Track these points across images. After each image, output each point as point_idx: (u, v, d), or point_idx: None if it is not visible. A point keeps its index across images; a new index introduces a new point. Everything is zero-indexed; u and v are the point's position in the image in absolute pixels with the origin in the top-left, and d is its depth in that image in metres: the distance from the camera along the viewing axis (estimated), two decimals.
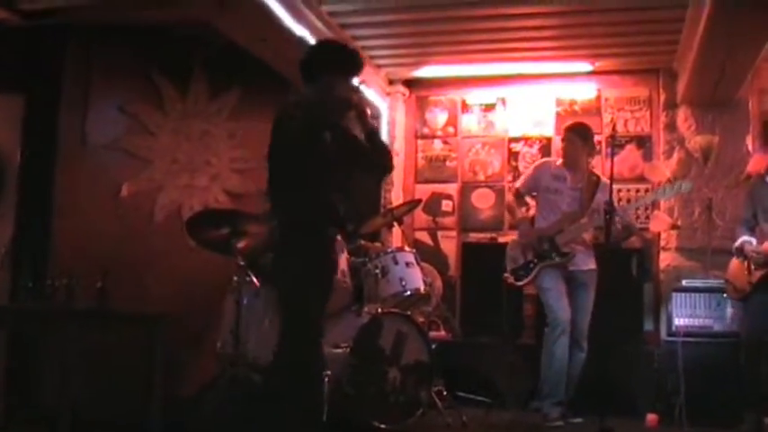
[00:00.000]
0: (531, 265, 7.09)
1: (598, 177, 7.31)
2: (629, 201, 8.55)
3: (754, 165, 7.73)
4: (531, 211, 7.51)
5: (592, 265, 7.13)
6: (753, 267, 6.51)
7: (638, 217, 8.78)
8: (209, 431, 5.67)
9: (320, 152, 4.88)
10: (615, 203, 6.58)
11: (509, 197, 7.98)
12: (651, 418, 7.13)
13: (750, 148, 8.61)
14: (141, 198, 8.22)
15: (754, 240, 6.60)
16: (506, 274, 7.31)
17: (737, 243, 6.70)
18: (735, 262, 6.74)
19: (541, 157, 8.98)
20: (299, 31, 7.23)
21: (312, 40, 7.43)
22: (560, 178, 7.21)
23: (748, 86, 8.58)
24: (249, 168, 8.51)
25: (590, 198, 7.12)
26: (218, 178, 8.51)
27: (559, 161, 7.40)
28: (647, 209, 8.88)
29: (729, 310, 7.31)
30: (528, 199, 7.60)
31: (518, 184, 7.61)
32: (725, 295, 7.08)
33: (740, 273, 6.62)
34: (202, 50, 8.25)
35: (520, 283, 7.22)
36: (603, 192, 7.00)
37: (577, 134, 7.24)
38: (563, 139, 7.34)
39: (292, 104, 5.13)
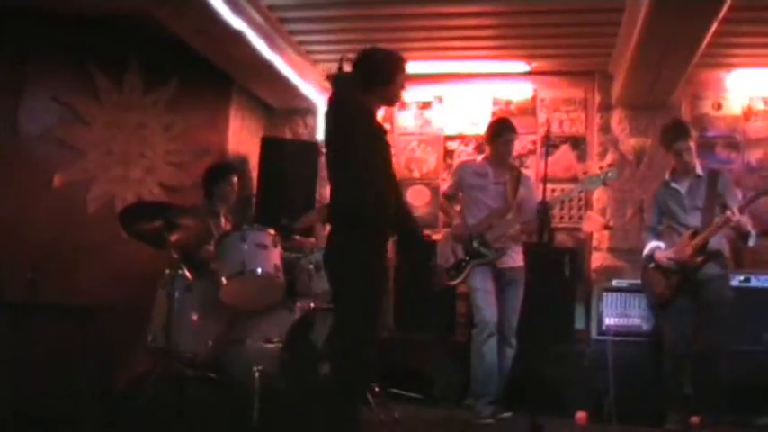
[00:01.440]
0: (464, 264, 7.11)
1: (519, 171, 7.40)
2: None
3: None
4: None
5: (520, 261, 7.21)
6: (668, 274, 6.61)
7: (571, 217, 8.89)
8: (140, 425, 5.62)
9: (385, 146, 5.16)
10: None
11: (441, 200, 8.02)
12: (580, 416, 7.20)
13: None
14: (74, 189, 8.13)
15: (662, 245, 6.70)
16: None
17: (647, 251, 6.83)
18: (649, 269, 6.84)
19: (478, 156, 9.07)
20: (238, 24, 7.21)
21: (251, 34, 7.42)
22: (482, 175, 7.28)
23: (681, 91, 8.72)
24: (184, 162, 8.49)
25: (514, 192, 7.19)
26: (152, 171, 8.45)
27: (480, 158, 7.51)
28: (579, 209, 9.00)
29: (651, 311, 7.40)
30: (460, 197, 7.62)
31: (444, 188, 7.71)
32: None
33: (657, 279, 6.72)
34: (139, 42, 8.18)
35: (452, 283, 7.23)
36: (526, 185, 7.14)
37: (516, 134, 7.35)
38: (508, 141, 7.32)
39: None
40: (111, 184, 8.29)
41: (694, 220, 6.60)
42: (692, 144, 6.77)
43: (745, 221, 6.37)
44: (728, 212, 6.32)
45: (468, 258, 7.08)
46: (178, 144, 8.55)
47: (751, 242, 6.53)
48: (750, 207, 6.57)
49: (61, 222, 7.90)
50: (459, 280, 7.14)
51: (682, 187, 6.73)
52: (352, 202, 4.93)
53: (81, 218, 8.08)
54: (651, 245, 6.81)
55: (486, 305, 6.98)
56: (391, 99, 5.40)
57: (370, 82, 5.17)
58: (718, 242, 6.60)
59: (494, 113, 9.35)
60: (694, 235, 6.50)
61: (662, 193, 6.89)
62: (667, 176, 6.87)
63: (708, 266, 6.49)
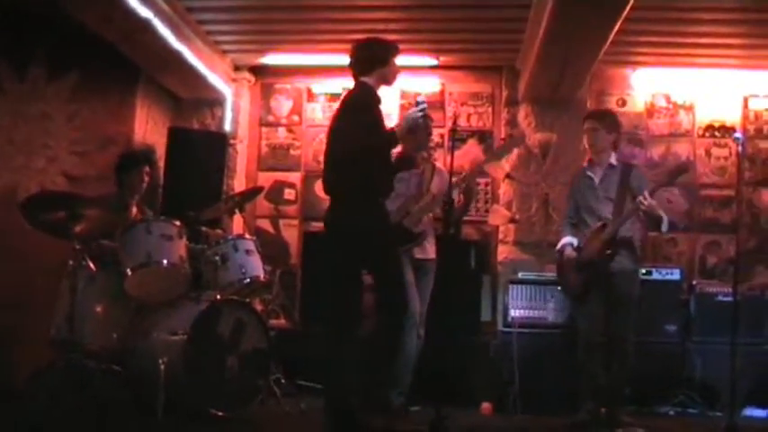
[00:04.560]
0: None
1: (433, 163, 7.42)
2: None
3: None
4: None
5: (434, 254, 7.21)
6: (579, 267, 6.64)
7: (477, 210, 8.96)
8: (42, 420, 5.52)
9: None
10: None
11: None
12: (486, 406, 7.27)
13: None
14: None
15: (575, 241, 6.71)
16: None
17: (558, 246, 6.77)
18: (563, 262, 6.76)
19: None
20: (145, 12, 7.13)
21: (158, 23, 7.34)
22: None
23: (587, 88, 8.88)
24: (88, 151, 8.38)
25: (429, 180, 7.20)
26: (55, 160, 8.35)
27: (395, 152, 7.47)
28: (486, 202, 9.09)
29: (564, 303, 7.47)
30: None
31: None
32: (560, 288, 7.26)
33: (569, 273, 6.70)
34: (44, 30, 8.05)
35: None
36: (440, 176, 7.13)
37: (432, 121, 7.40)
38: (429, 126, 7.31)
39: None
40: (13, 173, 8.17)
41: (606, 210, 6.59)
42: (600, 129, 6.78)
43: (656, 206, 6.41)
44: (639, 197, 6.36)
45: None
46: (82, 133, 8.43)
47: (664, 228, 6.54)
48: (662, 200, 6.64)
49: None
50: None
51: (596, 175, 6.75)
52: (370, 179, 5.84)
53: None
54: (563, 240, 6.75)
55: (411, 296, 6.97)
56: (389, 79, 6.13)
57: (368, 66, 6.01)
58: (630, 235, 6.64)
59: (402, 106, 9.37)
60: (604, 227, 6.52)
61: (577, 182, 6.88)
62: (585, 164, 6.90)
63: (618, 259, 6.53)
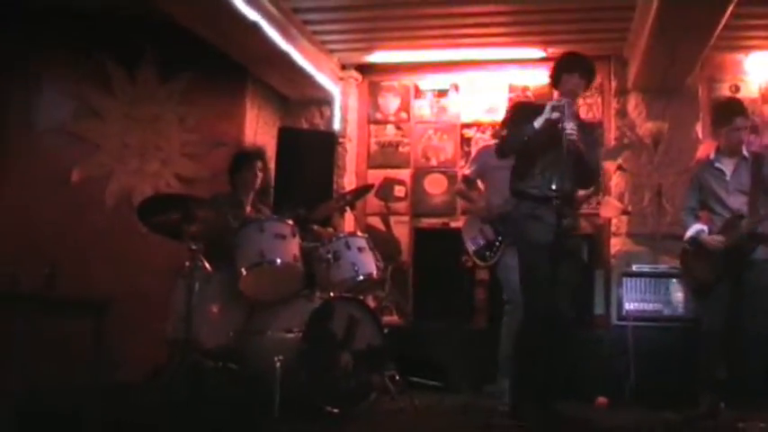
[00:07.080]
0: (498, 244, 7.04)
1: None
2: None
3: (704, 152, 7.78)
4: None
5: None
6: (713, 258, 6.48)
7: (589, 203, 8.84)
8: (157, 418, 5.61)
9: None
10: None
11: (459, 185, 7.92)
12: (601, 400, 7.18)
13: (700, 135, 8.71)
14: (91, 183, 8.17)
15: (706, 228, 6.57)
16: (465, 258, 7.28)
17: (691, 233, 6.56)
18: (690, 253, 6.64)
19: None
20: (252, 15, 7.20)
21: (265, 25, 7.41)
22: None
23: (698, 74, 8.69)
24: (200, 153, 8.49)
25: None
26: (169, 163, 8.48)
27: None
28: (597, 194, 8.96)
29: (678, 295, 7.36)
30: (479, 183, 7.55)
31: (467, 171, 7.59)
32: (674, 281, 7.13)
33: (699, 264, 6.55)
34: (153, 33, 8.18)
35: (485, 264, 7.16)
36: None
37: None
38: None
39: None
40: (128, 177, 8.31)
41: (738, 202, 6.43)
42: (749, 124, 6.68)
43: None
44: None
45: (500, 238, 7.01)
46: (194, 135, 8.56)
47: None
48: None
49: (79, 217, 7.93)
50: (493, 261, 7.05)
51: (727, 168, 6.54)
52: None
53: (99, 212, 8.11)
54: (695, 228, 6.55)
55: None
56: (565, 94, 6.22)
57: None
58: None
59: (510, 100, 9.31)
60: (739, 218, 6.37)
61: (704, 173, 6.68)
62: (712, 156, 6.69)
63: (756, 250, 6.39)
